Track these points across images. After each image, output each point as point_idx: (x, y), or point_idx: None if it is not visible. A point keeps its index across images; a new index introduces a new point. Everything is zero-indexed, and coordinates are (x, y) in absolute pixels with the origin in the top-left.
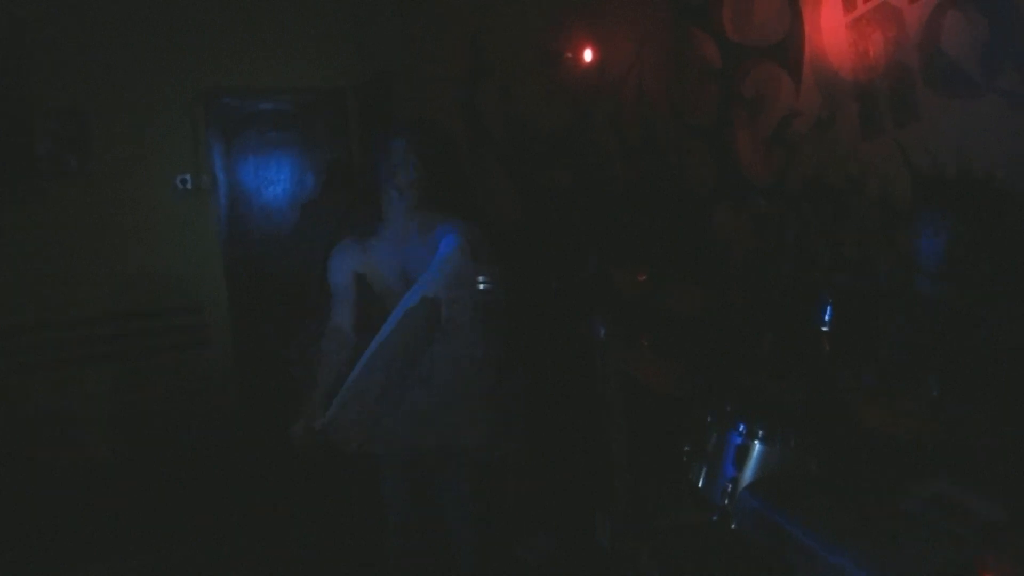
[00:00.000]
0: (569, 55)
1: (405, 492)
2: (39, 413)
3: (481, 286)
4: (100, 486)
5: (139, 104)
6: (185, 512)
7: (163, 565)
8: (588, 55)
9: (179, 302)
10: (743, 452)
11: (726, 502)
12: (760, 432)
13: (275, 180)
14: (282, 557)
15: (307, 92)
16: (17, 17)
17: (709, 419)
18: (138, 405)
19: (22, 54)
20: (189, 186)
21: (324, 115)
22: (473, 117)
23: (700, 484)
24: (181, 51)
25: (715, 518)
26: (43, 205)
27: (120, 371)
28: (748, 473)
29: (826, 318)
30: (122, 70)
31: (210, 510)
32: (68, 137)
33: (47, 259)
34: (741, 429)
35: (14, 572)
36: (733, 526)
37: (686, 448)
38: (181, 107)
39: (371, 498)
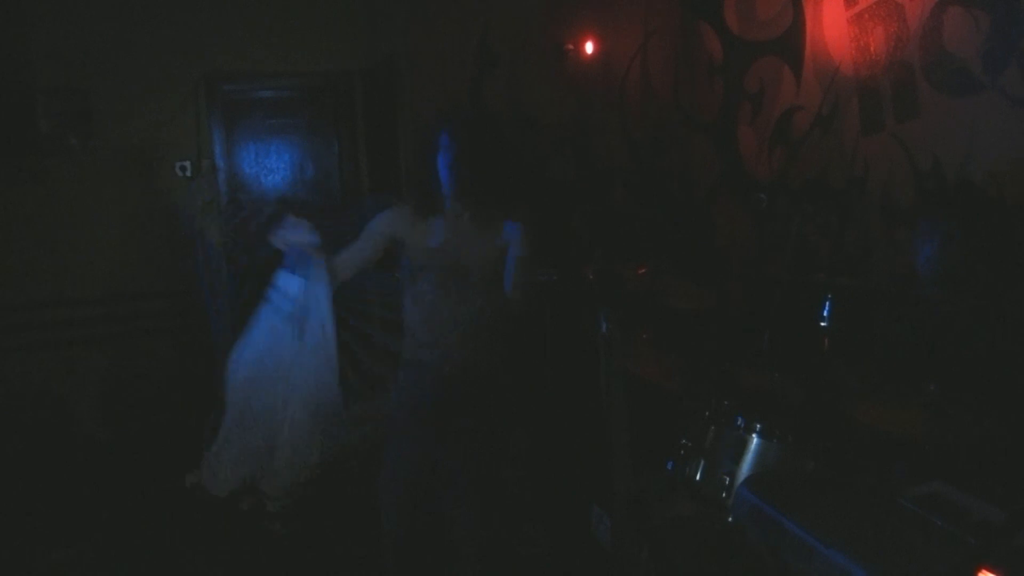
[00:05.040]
0: (575, 48)
1: (406, 495)
2: (34, 393)
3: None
4: (93, 467)
5: (142, 86)
6: (178, 496)
7: (154, 546)
8: (594, 49)
9: (177, 285)
10: (741, 446)
11: (724, 495)
12: (758, 426)
13: (275, 168)
14: (278, 540)
15: (312, 76)
16: None
17: (707, 414)
18: (134, 387)
19: (26, 30)
20: (188, 173)
21: (329, 101)
22: (479, 107)
23: (698, 478)
24: (185, 34)
25: (713, 512)
26: (44, 183)
27: (117, 352)
28: (746, 467)
29: (825, 316)
30: (126, 51)
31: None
32: (71, 115)
33: (47, 237)
34: (739, 423)
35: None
36: (730, 519)
37: (684, 442)
38: (184, 91)
39: (369, 489)
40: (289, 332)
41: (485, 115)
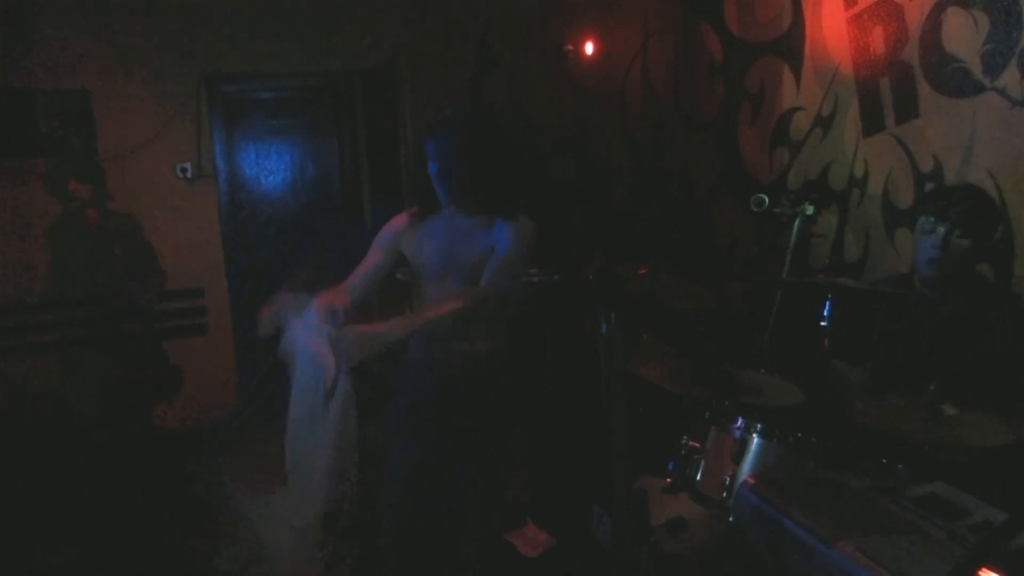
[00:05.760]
0: (575, 48)
1: (406, 495)
2: (37, 395)
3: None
4: (93, 467)
5: (142, 87)
6: (181, 499)
7: (154, 547)
8: (594, 49)
9: (178, 287)
10: (741, 446)
11: (724, 495)
12: (758, 426)
13: (276, 169)
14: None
15: (312, 77)
16: None
17: (708, 415)
18: (136, 388)
19: (26, 30)
20: (189, 175)
21: (329, 101)
22: (479, 107)
23: (698, 478)
24: (185, 35)
25: (713, 511)
26: (45, 183)
27: (118, 354)
28: (746, 467)
29: (825, 316)
30: (126, 51)
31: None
32: (71, 116)
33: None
34: (740, 423)
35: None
36: (731, 519)
37: (684, 442)
38: (184, 92)
39: (370, 489)
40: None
41: (479, 115)
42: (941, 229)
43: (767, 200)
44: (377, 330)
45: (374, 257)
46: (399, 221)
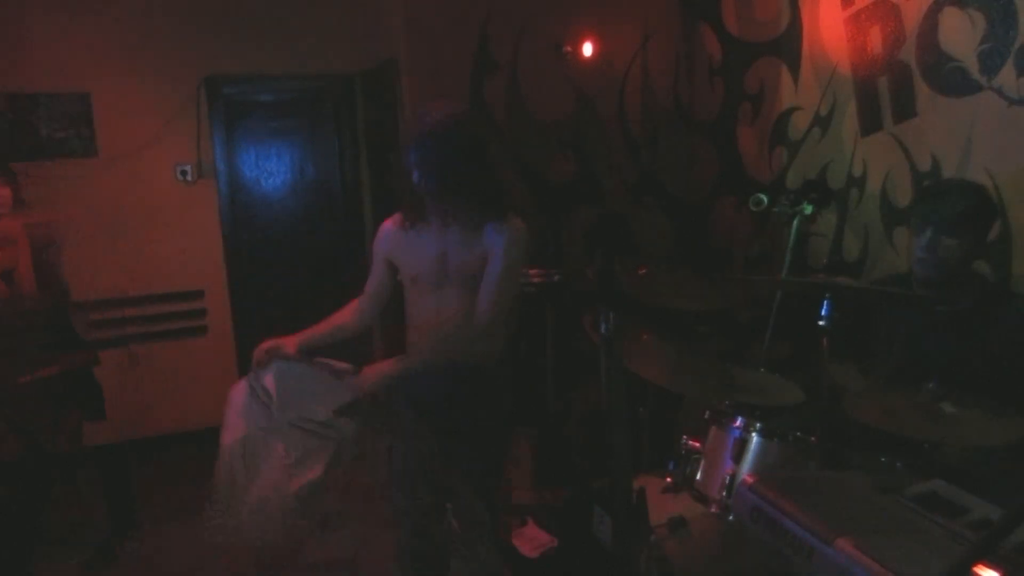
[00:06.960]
0: (575, 49)
1: (414, 496)
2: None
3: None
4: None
5: (143, 89)
6: (183, 500)
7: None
8: (594, 49)
9: (179, 289)
10: (741, 446)
11: (724, 495)
12: (758, 426)
13: (276, 171)
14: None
15: (313, 79)
16: None
17: (708, 415)
18: (137, 390)
19: (26, 32)
20: (189, 177)
21: (329, 103)
22: (479, 108)
23: (698, 478)
24: (186, 37)
25: (713, 511)
26: (45, 186)
27: (119, 356)
28: (746, 467)
29: (825, 316)
30: (127, 53)
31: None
32: (72, 118)
33: None
34: (739, 423)
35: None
36: (731, 518)
37: (684, 441)
38: (185, 93)
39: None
40: None
41: (456, 120)
42: (929, 231)
43: (766, 200)
44: (394, 367)
45: (378, 271)
46: (388, 226)
